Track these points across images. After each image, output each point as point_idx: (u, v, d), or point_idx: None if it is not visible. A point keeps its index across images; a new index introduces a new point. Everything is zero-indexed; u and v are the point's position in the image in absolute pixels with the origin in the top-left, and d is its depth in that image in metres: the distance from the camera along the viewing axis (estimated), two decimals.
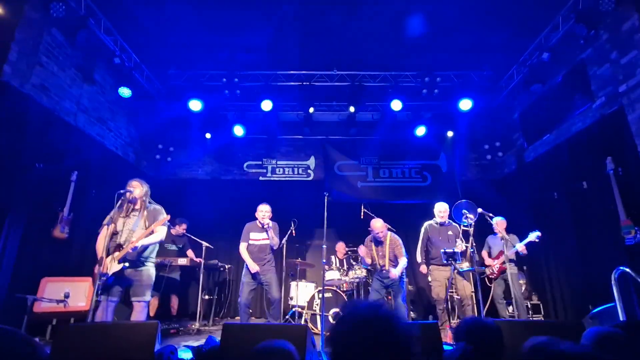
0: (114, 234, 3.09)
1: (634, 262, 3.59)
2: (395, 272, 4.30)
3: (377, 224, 4.58)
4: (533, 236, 4.70)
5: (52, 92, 4.58)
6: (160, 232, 3.25)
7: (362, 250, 4.73)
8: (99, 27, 4.91)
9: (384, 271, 4.45)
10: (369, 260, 4.70)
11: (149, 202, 3.37)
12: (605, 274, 3.70)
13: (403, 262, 4.42)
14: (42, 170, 4.23)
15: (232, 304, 6.53)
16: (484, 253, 5.22)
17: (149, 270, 3.22)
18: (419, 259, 4.80)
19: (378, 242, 4.62)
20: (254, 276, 4.24)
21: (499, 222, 4.90)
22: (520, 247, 4.77)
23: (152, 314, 5.17)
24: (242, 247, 4.38)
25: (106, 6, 4.85)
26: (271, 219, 4.43)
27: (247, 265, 4.28)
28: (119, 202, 3.24)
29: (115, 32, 5.19)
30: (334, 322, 1.00)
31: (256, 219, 4.47)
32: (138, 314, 3.02)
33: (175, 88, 6.38)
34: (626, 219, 3.86)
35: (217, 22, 5.19)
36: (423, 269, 4.81)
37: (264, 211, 4.40)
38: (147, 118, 6.64)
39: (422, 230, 4.87)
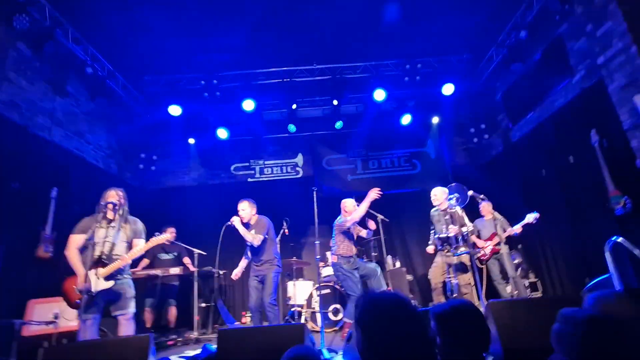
0: (92, 245, 2.94)
1: (626, 232, 3.61)
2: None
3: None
4: (531, 217, 4.72)
5: (23, 108, 4.40)
6: (146, 247, 3.14)
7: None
8: (67, 37, 4.73)
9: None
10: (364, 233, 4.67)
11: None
12: (598, 245, 3.72)
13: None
14: (19, 189, 4.07)
15: (230, 310, 6.42)
16: (473, 237, 5.23)
17: (129, 282, 3.11)
18: (430, 242, 4.80)
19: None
20: (255, 275, 4.10)
21: (484, 206, 5.03)
22: (518, 228, 4.79)
23: (148, 325, 5.06)
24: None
25: (73, 15, 4.67)
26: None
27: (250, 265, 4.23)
28: (100, 213, 3.11)
29: (85, 41, 5.02)
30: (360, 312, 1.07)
31: (234, 205, 4.27)
32: (125, 328, 2.91)
33: (153, 95, 6.23)
34: (614, 190, 3.88)
35: (190, 25, 5.07)
36: (429, 249, 4.79)
37: (240, 210, 4.14)
38: (126, 127, 6.47)
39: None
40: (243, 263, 4.32)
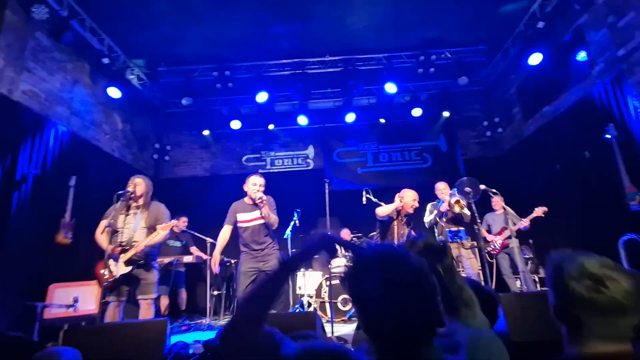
0: (114, 232, 3.07)
1: None
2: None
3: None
4: (540, 211, 4.70)
5: (43, 98, 4.52)
6: (161, 234, 3.23)
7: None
8: (84, 27, 4.82)
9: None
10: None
11: (151, 200, 3.35)
12: (611, 241, 3.68)
13: None
14: (40, 177, 4.20)
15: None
16: (483, 231, 5.20)
17: (154, 268, 3.22)
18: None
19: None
20: (254, 263, 3.46)
21: (496, 200, 4.98)
22: (526, 221, 4.78)
23: (164, 312, 5.22)
24: (223, 231, 3.56)
25: (89, 5, 4.74)
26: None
27: (242, 252, 3.54)
28: (119, 201, 3.22)
29: (101, 32, 5.10)
30: (350, 265, 0.88)
31: (244, 196, 3.60)
32: (146, 312, 3.03)
33: (167, 85, 6.31)
34: (630, 186, 3.82)
35: (203, 15, 5.08)
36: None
37: (257, 184, 3.46)
38: (141, 118, 6.58)
39: None
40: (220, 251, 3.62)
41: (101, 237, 3.13)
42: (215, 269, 3.56)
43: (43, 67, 4.54)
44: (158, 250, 3.37)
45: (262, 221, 3.51)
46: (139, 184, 3.26)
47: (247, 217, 3.54)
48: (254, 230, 3.51)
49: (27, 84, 4.27)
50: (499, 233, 5.05)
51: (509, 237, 4.73)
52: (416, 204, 4.08)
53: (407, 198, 4.00)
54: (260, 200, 3.38)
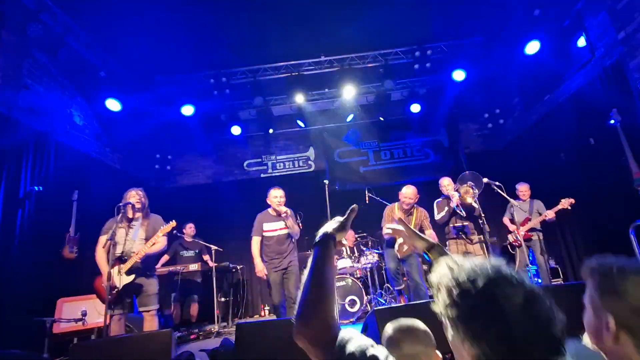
0: (114, 244, 3.07)
1: None
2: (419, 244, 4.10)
3: (409, 191, 4.26)
4: (566, 203, 4.45)
5: (42, 114, 4.55)
6: (162, 241, 3.23)
7: (387, 217, 4.38)
8: (79, 43, 4.85)
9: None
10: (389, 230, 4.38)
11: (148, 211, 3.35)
12: (622, 229, 3.60)
13: (429, 234, 4.07)
14: (42, 193, 4.23)
15: (249, 303, 6.56)
16: (506, 219, 4.99)
17: (153, 277, 3.22)
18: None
19: (407, 213, 4.27)
20: (280, 270, 3.79)
21: (522, 188, 4.78)
22: (550, 213, 4.54)
23: (176, 321, 5.26)
24: (254, 243, 3.84)
25: (83, 20, 4.77)
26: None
27: (265, 260, 3.82)
28: (120, 213, 3.22)
29: (96, 46, 5.12)
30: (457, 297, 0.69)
31: (268, 207, 3.94)
32: (150, 324, 3.03)
33: (165, 95, 6.32)
34: (638, 171, 3.73)
35: (197, 23, 5.09)
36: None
37: (278, 196, 3.85)
38: (141, 129, 6.60)
39: None
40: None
41: (101, 255, 3.14)
42: (262, 274, 3.82)
43: (40, 84, 4.57)
44: (156, 260, 3.38)
45: (286, 231, 3.88)
46: (141, 196, 3.27)
47: (272, 227, 3.90)
48: (279, 239, 3.86)
49: (25, 101, 4.30)
50: (523, 224, 4.75)
51: (532, 230, 4.58)
52: (408, 200, 4.19)
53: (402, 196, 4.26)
54: (285, 214, 3.78)
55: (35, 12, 4.16)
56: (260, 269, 3.79)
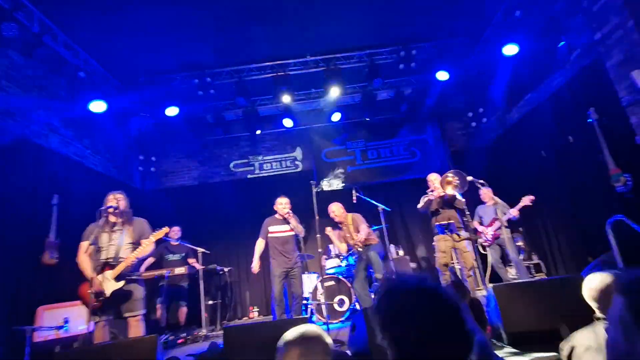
0: (97, 250, 2.99)
1: (627, 209, 3.60)
2: (360, 235, 4.49)
3: (333, 207, 4.77)
4: (527, 200, 4.71)
5: (18, 116, 4.40)
6: (150, 245, 3.16)
7: (335, 240, 4.88)
8: (57, 42, 4.70)
9: (359, 249, 4.54)
10: (344, 247, 4.82)
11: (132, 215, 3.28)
12: (600, 224, 3.71)
13: (364, 229, 4.57)
14: (21, 197, 4.09)
15: (237, 306, 6.51)
16: (475, 223, 5.20)
17: (138, 283, 3.15)
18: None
19: (339, 227, 4.79)
20: (284, 267, 4.21)
21: (485, 192, 5.01)
22: (514, 211, 4.77)
23: (163, 325, 5.15)
24: (259, 243, 4.36)
25: (61, 19, 4.62)
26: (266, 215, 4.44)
27: (273, 259, 4.27)
28: (102, 218, 3.14)
29: (75, 45, 4.98)
30: (379, 296, 0.89)
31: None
32: (135, 330, 2.96)
33: (148, 96, 6.19)
34: (615, 168, 3.85)
35: (180, 23, 5.00)
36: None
37: (283, 203, 4.39)
38: (123, 130, 6.46)
39: None
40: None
41: (84, 260, 3.04)
42: (254, 270, 4.32)
43: (17, 85, 4.42)
44: (140, 263, 3.31)
45: (292, 233, 4.37)
46: (120, 199, 3.19)
47: (278, 229, 4.37)
48: (284, 240, 4.32)
49: (1, 103, 4.15)
50: (490, 224, 5.05)
51: (499, 228, 4.75)
52: (332, 215, 4.83)
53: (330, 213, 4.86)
54: (287, 214, 4.31)
55: (10, 11, 4.00)
56: (254, 264, 4.26)
